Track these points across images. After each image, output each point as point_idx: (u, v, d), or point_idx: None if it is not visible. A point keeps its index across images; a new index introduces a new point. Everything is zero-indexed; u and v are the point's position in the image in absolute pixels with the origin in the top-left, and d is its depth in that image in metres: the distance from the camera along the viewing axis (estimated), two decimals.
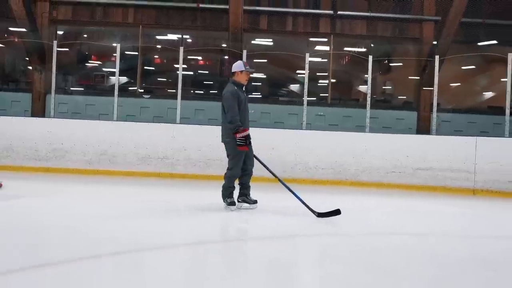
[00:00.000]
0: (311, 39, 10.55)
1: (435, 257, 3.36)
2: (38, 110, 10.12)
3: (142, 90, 11.00)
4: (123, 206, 5.18)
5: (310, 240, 4.02)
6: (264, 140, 6.52)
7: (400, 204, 6.36)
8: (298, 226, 4.44)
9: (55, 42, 8.56)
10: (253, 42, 10.65)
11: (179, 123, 8.41)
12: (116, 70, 8.63)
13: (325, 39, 10.39)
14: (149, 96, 10.64)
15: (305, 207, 4.76)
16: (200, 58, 11.50)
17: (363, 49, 10.70)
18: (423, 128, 9.87)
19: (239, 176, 5.13)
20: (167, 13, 10.12)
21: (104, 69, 11.49)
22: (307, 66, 8.24)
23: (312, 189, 6.77)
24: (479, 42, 10.07)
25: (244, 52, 8.42)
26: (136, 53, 10.72)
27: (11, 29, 10.50)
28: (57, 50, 8.53)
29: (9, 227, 3.84)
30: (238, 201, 5.17)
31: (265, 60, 10.52)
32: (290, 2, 10.26)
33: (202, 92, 11.39)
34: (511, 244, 4.12)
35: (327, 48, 10.44)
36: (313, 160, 7.81)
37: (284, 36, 10.47)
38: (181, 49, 8.41)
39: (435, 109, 8.28)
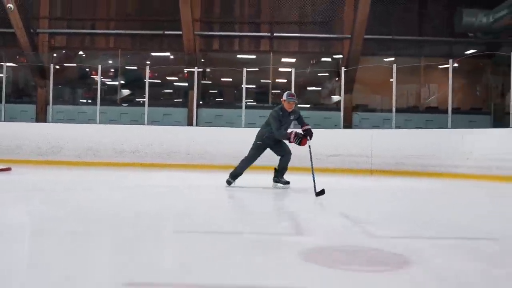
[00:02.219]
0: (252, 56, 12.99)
1: None
2: (41, 117, 12.62)
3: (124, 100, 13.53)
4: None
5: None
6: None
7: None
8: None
9: (51, 65, 11.10)
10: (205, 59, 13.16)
11: (148, 125, 10.88)
12: (98, 85, 11.11)
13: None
14: (127, 104, 13.13)
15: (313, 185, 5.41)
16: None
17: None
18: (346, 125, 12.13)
19: (247, 166, 6.37)
20: (139, 39, 12.65)
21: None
22: (244, 78, 10.68)
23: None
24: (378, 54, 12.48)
25: (195, 69, 10.88)
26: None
27: (18, 56, 13.06)
28: (62, 67, 10.99)
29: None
30: (274, 181, 6.33)
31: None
32: (236, 27, 12.69)
33: (167, 100, 13.78)
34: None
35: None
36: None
37: (233, 53, 12.94)
38: (147, 68, 10.89)
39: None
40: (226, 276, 2.11)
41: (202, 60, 12.97)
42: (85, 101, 13.49)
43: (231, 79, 13.01)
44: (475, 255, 2.64)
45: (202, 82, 12.99)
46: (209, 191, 6.20)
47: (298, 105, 6.91)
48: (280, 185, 6.29)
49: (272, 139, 6.30)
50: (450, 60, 9.51)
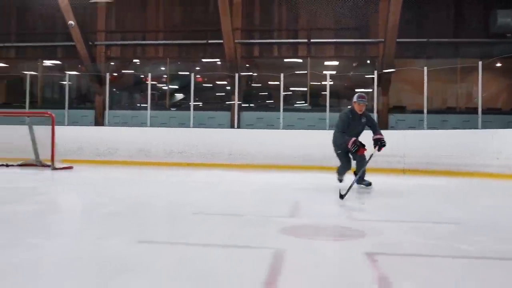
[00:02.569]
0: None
1: None
2: (99, 121, 13.86)
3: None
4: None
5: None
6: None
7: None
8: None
9: (107, 74, 12.26)
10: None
11: (194, 127, 11.83)
12: (148, 92, 12.20)
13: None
14: (175, 109, 14.14)
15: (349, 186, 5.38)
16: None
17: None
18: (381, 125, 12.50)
19: (345, 170, 6.48)
20: (185, 48, 13.64)
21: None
22: (282, 83, 11.39)
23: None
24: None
25: (236, 75, 11.70)
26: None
27: (79, 66, 14.40)
28: (117, 76, 12.10)
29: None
30: (357, 183, 6.15)
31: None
32: (275, 34, 13.39)
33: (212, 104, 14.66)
34: None
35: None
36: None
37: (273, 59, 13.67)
38: (192, 75, 11.83)
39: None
40: (216, 239, 2.95)
41: (247, 65, 13.79)
42: (138, 105, 14.65)
43: (277, 83, 13.77)
44: (425, 233, 3.23)
45: (247, 85, 13.81)
46: (239, 185, 6.98)
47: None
48: (363, 186, 6.29)
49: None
50: (480, 62, 9.80)
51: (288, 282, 2.01)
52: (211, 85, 14.66)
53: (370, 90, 12.19)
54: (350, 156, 6.40)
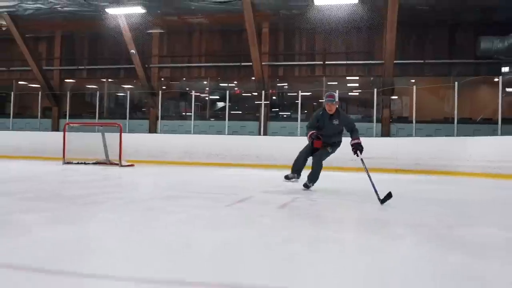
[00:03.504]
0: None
1: None
2: (152, 129, 16.92)
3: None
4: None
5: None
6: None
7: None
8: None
9: (160, 92, 15.31)
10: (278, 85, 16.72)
11: (228, 135, 14.64)
12: (192, 106, 15.12)
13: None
14: (213, 119, 17.05)
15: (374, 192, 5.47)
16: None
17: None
18: (385, 133, 14.91)
19: (297, 165, 6.72)
20: (223, 69, 16.58)
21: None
22: (299, 98, 14.04)
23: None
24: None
25: (263, 92, 14.45)
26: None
27: (137, 82, 17.60)
28: (166, 91, 15.14)
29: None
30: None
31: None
32: (296, 57, 16.07)
33: (243, 115, 17.45)
34: None
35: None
36: None
37: (294, 78, 16.35)
38: (227, 92, 14.67)
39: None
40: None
41: (278, 79, 16.53)
42: (184, 113, 17.62)
43: (295, 95, 16.29)
44: (351, 207, 5.70)
45: (273, 99, 16.51)
46: (256, 178, 9.63)
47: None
48: (288, 181, 6.82)
49: (324, 141, 6.52)
50: (456, 83, 12.11)
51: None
52: (243, 99, 17.49)
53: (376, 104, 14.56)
54: (308, 156, 6.72)
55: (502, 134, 11.67)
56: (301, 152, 6.69)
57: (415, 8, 13.25)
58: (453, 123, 12.91)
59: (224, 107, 16.78)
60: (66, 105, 16.91)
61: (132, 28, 14.92)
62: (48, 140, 15.38)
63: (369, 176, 5.64)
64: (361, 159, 5.97)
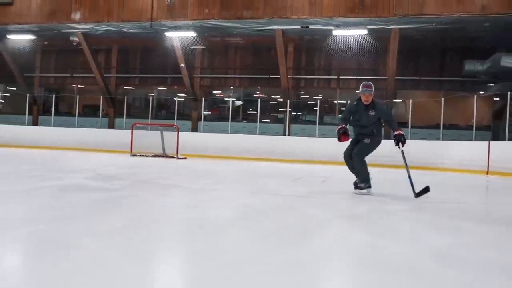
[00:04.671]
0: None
1: None
2: (194, 129, 20.44)
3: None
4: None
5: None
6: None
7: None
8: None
9: (203, 99, 18.87)
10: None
11: (259, 135, 18.14)
12: (230, 112, 18.64)
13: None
14: (246, 121, 20.59)
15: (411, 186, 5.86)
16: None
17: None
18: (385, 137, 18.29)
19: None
20: (254, 80, 20.11)
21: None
22: (318, 106, 17.53)
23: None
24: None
25: (288, 101, 17.95)
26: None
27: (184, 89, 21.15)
28: (206, 98, 18.79)
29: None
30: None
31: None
32: (315, 72, 19.58)
33: (272, 118, 20.99)
34: None
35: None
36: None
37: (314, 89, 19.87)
38: (259, 100, 18.18)
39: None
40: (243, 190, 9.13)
41: (302, 92, 20.06)
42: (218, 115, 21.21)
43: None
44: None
45: (296, 106, 19.99)
46: (282, 169, 13.11)
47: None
48: (356, 191, 6.56)
49: (359, 135, 6.46)
50: (442, 98, 15.57)
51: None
52: (271, 105, 21.05)
53: None
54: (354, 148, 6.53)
55: (476, 139, 15.14)
56: (345, 154, 6.63)
57: (413, 37, 16.70)
58: (444, 128, 16.33)
59: (240, 106, 20.23)
60: (120, 106, 20.53)
61: (183, 47, 18.48)
62: (108, 136, 18.95)
63: (407, 169, 5.88)
64: (402, 151, 6.06)
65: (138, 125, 17.08)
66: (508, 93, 14.22)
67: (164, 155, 16.25)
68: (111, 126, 21.04)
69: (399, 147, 6.17)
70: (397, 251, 3.24)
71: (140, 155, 16.27)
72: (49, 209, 4.46)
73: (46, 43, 20.83)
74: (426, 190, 5.65)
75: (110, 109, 21.23)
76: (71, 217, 4.00)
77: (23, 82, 21.80)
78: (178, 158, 15.72)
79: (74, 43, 19.56)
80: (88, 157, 14.33)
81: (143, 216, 4.26)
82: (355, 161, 6.38)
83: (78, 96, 20.84)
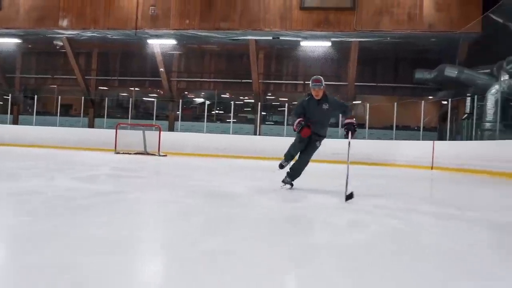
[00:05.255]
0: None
1: None
2: (170, 128, 21.93)
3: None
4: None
5: None
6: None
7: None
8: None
9: (180, 101, 20.46)
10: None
11: (232, 134, 19.89)
12: (205, 113, 20.31)
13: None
14: (219, 121, 22.30)
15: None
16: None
17: None
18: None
19: (291, 153, 6.36)
20: (227, 84, 21.88)
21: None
22: (286, 109, 19.45)
23: None
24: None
25: (259, 104, 19.79)
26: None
27: (159, 90, 22.63)
28: (183, 100, 20.42)
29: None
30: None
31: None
32: (283, 77, 21.54)
33: (244, 119, 22.80)
34: None
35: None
36: None
37: (282, 93, 21.81)
38: (232, 103, 19.94)
39: None
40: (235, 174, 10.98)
41: (269, 93, 21.94)
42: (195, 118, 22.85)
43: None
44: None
45: (265, 108, 21.85)
46: (253, 164, 14.93)
47: None
48: (281, 185, 6.36)
49: (315, 131, 6.14)
50: (395, 103, 17.81)
51: None
52: (243, 108, 22.87)
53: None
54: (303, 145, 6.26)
55: (424, 139, 17.46)
56: (294, 146, 6.36)
57: (370, 48, 18.89)
58: (398, 129, 18.59)
59: (203, 103, 21.97)
60: (100, 107, 21.82)
61: (163, 52, 20.01)
62: (89, 134, 20.23)
63: (348, 167, 5.43)
64: (349, 143, 5.67)
65: (121, 125, 18.51)
66: (449, 100, 16.58)
67: (145, 153, 17.70)
68: (91, 125, 22.28)
69: (346, 137, 5.77)
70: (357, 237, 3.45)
71: (123, 153, 17.64)
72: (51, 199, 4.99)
73: (30, 46, 21.85)
74: (351, 196, 5.00)
75: (90, 109, 22.45)
76: (61, 212, 3.88)
77: (5, 83, 22.72)
78: (160, 156, 17.24)
79: (58, 47, 20.70)
80: (73, 155, 15.58)
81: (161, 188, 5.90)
82: (304, 164, 6.33)
83: (60, 97, 21.94)
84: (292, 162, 6.47)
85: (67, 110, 23.48)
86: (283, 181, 6.38)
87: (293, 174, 6.35)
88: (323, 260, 2.63)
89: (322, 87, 6.10)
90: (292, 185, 6.33)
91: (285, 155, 6.45)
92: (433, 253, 2.88)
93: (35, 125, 21.34)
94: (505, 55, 15.80)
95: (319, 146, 6.31)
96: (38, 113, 22.03)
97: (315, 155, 6.44)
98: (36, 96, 21.81)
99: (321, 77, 6.20)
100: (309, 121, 6.08)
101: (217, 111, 22.85)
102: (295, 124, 6.05)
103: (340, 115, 6.59)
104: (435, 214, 4.69)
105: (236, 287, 2.06)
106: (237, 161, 16.03)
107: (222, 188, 6.59)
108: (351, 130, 5.71)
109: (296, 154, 6.40)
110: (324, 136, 6.31)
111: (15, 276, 2.14)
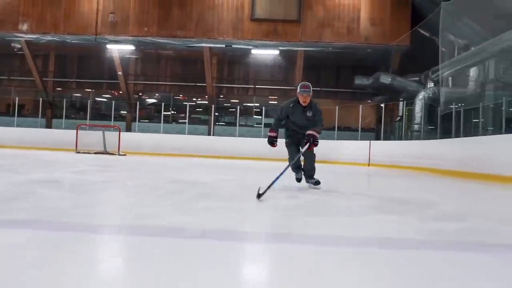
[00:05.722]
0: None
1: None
2: (128, 129, 22.88)
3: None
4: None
5: None
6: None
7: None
8: None
9: (138, 102, 21.49)
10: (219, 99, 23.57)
11: (187, 135, 21.18)
12: (162, 114, 21.45)
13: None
14: (174, 123, 23.48)
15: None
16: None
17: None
18: None
19: (292, 165, 6.09)
20: (183, 87, 23.13)
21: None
22: (238, 111, 20.94)
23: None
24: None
25: (213, 106, 21.17)
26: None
27: (113, 92, 23.55)
28: (140, 101, 21.51)
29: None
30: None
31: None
32: (235, 81, 23.04)
33: (198, 121, 24.13)
34: None
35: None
36: None
37: (234, 96, 23.31)
38: (188, 105, 21.21)
39: None
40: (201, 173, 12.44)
41: (221, 96, 23.35)
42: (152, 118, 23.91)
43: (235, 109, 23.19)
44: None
45: (219, 110, 23.25)
46: (207, 163, 16.33)
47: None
48: (313, 187, 6.27)
49: (296, 136, 6.23)
50: (337, 106, 19.73)
51: None
52: (197, 109, 24.18)
53: None
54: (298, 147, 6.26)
55: (363, 139, 19.47)
56: (291, 158, 6.22)
57: (314, 56, 20.72)
58: (340, 130, 20.53)
59: (157, 104, 23.24)
60: (57, 108, 22.47)
61: (121, 57, 21.00)
62: (46, 134, 20.86)
63: (286, 167, 5.51)
64: (302, 151, 5.87)
65: (82, 126, 19.35)
66: (384, 104, 18.66)
67: (105, 152, 18.63)
68: (49, 126, 22.86)
69: (304, 147, 5.85)
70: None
71: (84, 152, 18.47)
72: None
73: None
74: (261, 194, 4.68)
75: (48, 110, 23.03)
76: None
77: None
78: (119, 155, 18.25)
79: (15, 49, 21.20)
80: (38, 154, 16.37)
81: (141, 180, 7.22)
82: (312, 158, 6.28)
83: (17, 98, 22.37)
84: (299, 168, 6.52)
85: (20, 111, 23.83)
86: (314, 187, 6.22)
87: (311, 173, 6.32)
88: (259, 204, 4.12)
89: (310, 93, 6.03)
90: (319, 182, 6.24)
91: (292, 169, 6.30)
92: (339, 211, 4.42)
93: None
94: (431, 65, 18.00)
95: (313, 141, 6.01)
96: None
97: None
98: None
99: (309, 84, 6.11)
100: (294, 124, 6.18)
101: (172, 113, 24.01)
102: (268, 136, 6.06)
103: None
104: (355, 193, 6.31)
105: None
106: (193, 160, 17.32)
107: (193, 178, 8.00)
108: (310, 142, 5.78)
109: (298, 161, 6.33)
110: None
111: None
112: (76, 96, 24.42)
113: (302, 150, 5.97)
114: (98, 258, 2.42)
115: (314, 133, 5.81)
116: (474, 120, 13.76)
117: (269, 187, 4.87)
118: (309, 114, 6.04)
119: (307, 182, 6.32)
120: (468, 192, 7.86)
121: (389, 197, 6.35)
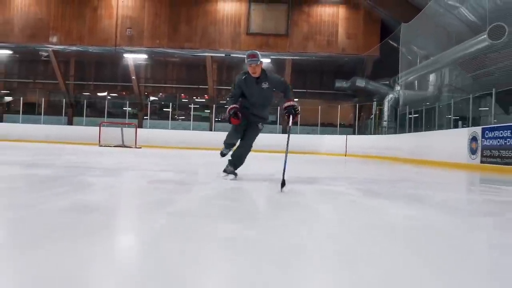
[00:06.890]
0: None
1: None
2: (141, 126, 26.13)
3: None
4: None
5: None
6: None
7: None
8: None
9: (149, 103, 24.75)
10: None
11: (192, 130, 24.47)
12: (170, 114, 24.71)
13: None
14: (179, 119, 26.75)
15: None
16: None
17: None
18: (284, 131, 25.65)
19: (230, 140, 5.49)
20: (187, 89, 26.41)
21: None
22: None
23: None
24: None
25: (214, 106, 24.48)
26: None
27: (124, 93, 26.78)
28: (151, 103, 24.79)
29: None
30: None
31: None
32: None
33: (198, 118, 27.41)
34: None
35: None
36: None
37: None
38: (192, 105, 24.49)
39: None
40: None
41: (221, 96, 26.66)
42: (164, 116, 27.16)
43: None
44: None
45: (219, 109, 26.53)
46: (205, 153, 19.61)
47: None
48: (223, 174, 5.47)
49: (247, 115, 5.34)
50: (319, 106, 23.15)
51: None
52: (200, 108, 27.49)
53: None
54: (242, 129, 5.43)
55: (341, 134, 22.94)
56: (230, 134, 5.55)
57: (301, 64, 24.11)
58: (322, 126, 23.97)
59: (162, 103, 26.47)
60: (79, 107, 25.65)
61: (135, 64, 24.24)
62: (69, 130, 24.02)
63: (286, 153, 4.96)
64: (289, 127, 5.00)
65: (104, 123, 22.54)
66: (357, 105, 22.14)
67: (123, 146, 21.76)
68: (70, 124, 26.04)
69: (288, 122, 5.10)
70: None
71: (105, 146, 21.57)
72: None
73: (17, 56, 25.26)
74: (283, 184, 4.32)
75: (69, 109, 26.21)
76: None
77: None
78: (136, 148, 21.44)
79: (42, 57, 24.33)
80: (62, 148, 19.46)
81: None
82: (246, 149, 5.59)
83: (43, 99, 25.50)
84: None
85: (45, 110, 26.89)
86: (224, 171, 5.52)
87: (235, 162, 5.54)
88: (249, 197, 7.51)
89: (259, 62, 5.11)
90: (235, 174, 5.46)
91: (224, 143, 5.61)
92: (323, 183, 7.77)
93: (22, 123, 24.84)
94: (398, 71, 21.46)
95: (261, 128, 5.59)
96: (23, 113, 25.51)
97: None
98: (22, 98, 25.25)
99: (257, 52, 5.23)
100: (248, 101, 5.33)
101: (178, 111, 27.30)
102: (227, 111, 5.21)
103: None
104: (335, 177, 9.69)
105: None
106: (191, 152, 20.53)
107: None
108: (292, 114, 5.01)
109: (236, 141, 5.61)
110: (266, 118, 5.59)
111: None
112: (93, 97, 27.58)
113: (288, 125, 5.09)
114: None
115: (292, 102, 5.05)
116: (423, 120, 17.14)
117: (283, 175, 4.40)
118: (264, 85, 5.22)
119: (226, 169, 5.53)
120: (402, 171, 11.32)
121: (359, 177, 9.80)
